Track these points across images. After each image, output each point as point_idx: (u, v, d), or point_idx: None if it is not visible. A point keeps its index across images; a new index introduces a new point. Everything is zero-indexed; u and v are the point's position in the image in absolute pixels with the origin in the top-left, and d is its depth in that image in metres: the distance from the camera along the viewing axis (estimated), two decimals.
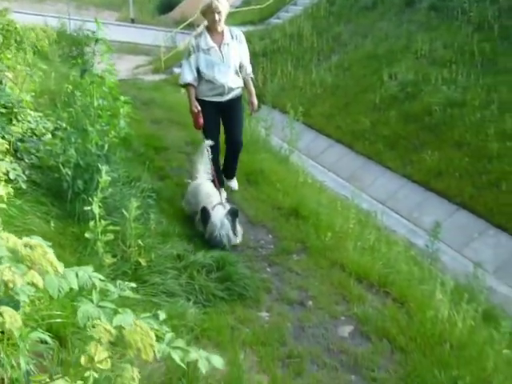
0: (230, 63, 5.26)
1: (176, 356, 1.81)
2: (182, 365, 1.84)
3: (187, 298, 3.56)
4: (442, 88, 10.76)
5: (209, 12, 5.16)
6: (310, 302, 3.93)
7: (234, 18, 18.38)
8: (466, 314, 3.65)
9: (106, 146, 4.32)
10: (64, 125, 4.70)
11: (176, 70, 18.62)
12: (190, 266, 3.93)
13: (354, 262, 4.39)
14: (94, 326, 1.21)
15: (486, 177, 8.73)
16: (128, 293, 2.03)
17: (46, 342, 2.36)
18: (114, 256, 3.51)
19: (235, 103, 5.50)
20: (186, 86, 5.38)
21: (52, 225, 3.71)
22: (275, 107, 11.47)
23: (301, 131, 9.05)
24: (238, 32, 5.50)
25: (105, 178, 3.44)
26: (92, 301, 1.74)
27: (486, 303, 4.76)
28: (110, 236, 3.37)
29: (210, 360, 1.90)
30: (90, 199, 3.36)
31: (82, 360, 1.26)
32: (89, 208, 3.34)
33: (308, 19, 17.34)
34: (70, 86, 5.52)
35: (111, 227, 3.38)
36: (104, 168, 3.53)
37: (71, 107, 4.78)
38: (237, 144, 5.60)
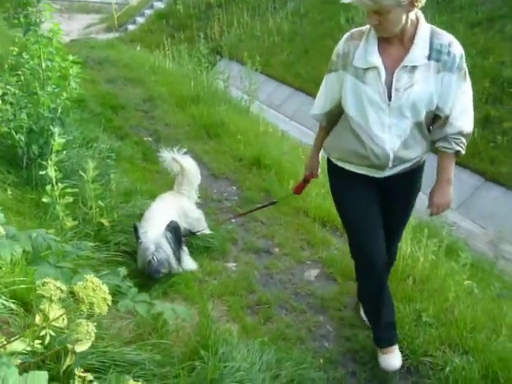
0: (404, 109, 2.43)
1: (141, 309, 1.83)
2: (147, 317, 1.86)
3: None
4: None
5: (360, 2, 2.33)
6: (276, 249, 3.99)
7: None
8: (428, 249, 3.75)
9: (59, 109, 4.22)
10: (13, 89, 4.56)
11: (130, 27, 18.19)
12: None
13: (317, 207, 4.44)
14: (43, 285, 1.20)
15: None
16: (86, 252, 2.03)
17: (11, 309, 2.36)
18: (76, 219, 3.46)
19: (404, 186, 2.79)
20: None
21: (9, 192, 3.65)
22: (233, 58, 11.32)
23: (261, 82, 8.98)
24: (450, 42, 2.43)
25: (58, 140, 3.36)
26: (49, 262, 1.72)
27: (448, 238, 4.89)
28: (69, 199, 3.31)
29: (175, 311, 1.92)
30: (45, 164, 3.29)
31: (37, 319, 1.26)
32: (44, 172, 3.27)
33: None
34: (16, 49, 5.34)
35: (69, 190, 3.32)
36: (57, 130, 3.44)
37: (19, 71, 4.63)
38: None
